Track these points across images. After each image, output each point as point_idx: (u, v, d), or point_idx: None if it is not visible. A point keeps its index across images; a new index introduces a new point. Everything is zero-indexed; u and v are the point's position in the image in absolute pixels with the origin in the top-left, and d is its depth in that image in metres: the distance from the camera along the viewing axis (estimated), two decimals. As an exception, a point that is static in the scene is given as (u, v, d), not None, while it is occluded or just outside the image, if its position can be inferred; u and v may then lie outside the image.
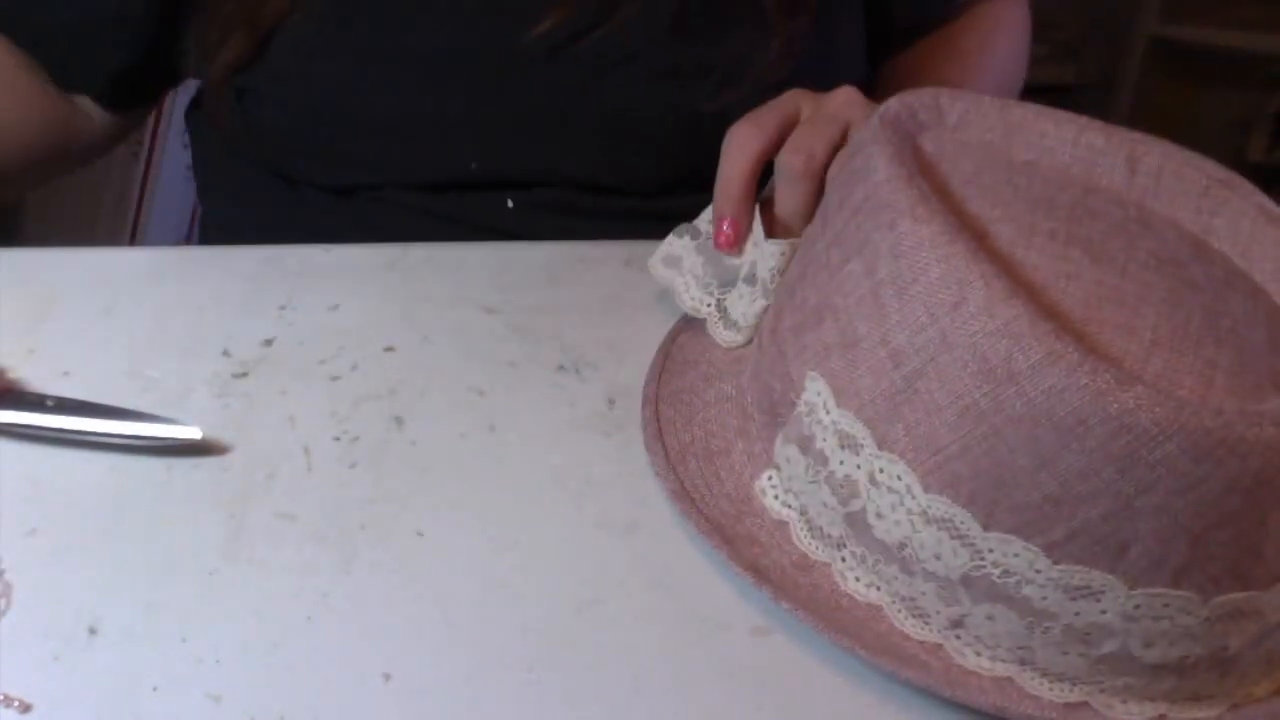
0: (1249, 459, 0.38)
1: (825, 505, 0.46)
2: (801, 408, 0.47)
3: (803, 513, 0.48)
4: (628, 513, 0.50)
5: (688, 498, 0.49)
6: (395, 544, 0.48)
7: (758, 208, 0.56)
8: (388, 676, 0.43)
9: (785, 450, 0.48)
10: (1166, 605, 0.41)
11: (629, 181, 0.67)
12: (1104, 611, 0.41)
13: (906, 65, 0.77)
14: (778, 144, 0.57)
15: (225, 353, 0.56)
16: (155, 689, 0.41)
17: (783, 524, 0.48)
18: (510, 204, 0.67)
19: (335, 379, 0.55)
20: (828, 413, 0.46)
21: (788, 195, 0.56)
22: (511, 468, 0.51)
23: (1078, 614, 0.42)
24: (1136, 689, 0.43)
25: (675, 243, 0.58)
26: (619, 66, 0.63)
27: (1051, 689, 0.43)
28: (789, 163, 0.56)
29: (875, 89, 0.74)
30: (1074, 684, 0.43)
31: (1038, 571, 0.41)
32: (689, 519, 0.48)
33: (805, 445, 0.47)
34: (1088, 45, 2.02)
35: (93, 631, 0.43)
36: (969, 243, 0.42)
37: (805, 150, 0.55)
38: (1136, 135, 0.50)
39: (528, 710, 0.42)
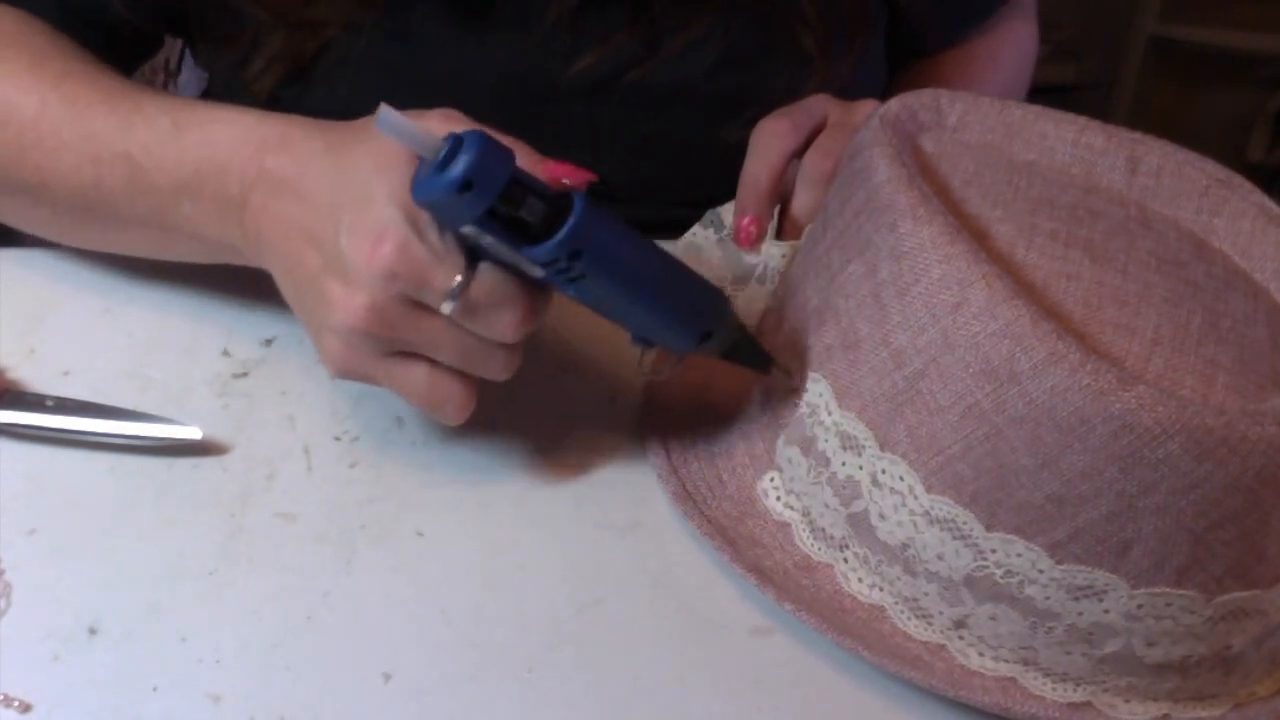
0: (1251, 458, 0.38)
1: (827, 506, 0.46)
2: (803, 409, 0.47)
3: (805, 514, 0.48)
4: (628, 513, 0.50)
5: (690, 499, 0.49)
6: (395, 544, 0.48)
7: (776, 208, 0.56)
8: (388, 676, 0.43)
9: (787, 451, 0.48)
10: (1169, 605, 0.41)
11: (656, 200, 0.68)
12: (1107, 611, 0.41)
13: (918, 77, 0.77)
14: (806, 145, 0.57)
15: (225, 353, 0.56)
16: (155, 689, 0.41)
17: (785, 525, 0.48)
18: None
19: (335, 379, 0.55)
20: (830, 414, 0.46)
21: (808, 198, 0.56)
22: (511, 468, 0.51)
23: (1081, 614, 0.42)
24: (1140, 689, 0.43)
25: (699, 232, 0.58)
26: (660, 100, 0.63)
27: (1054, 689, 0.43)
28: (817, 165, 0.55)
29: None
30: (1077, 684, 0.43)
31: (1040, 571, 0.41)
32: (691, 520, 0.48)
33: (807, 447, 0.47)
34: (1088, 45, 2.02)
35: (93, 631, 0.43)
36: (970, 244, 0.42)
37: (834, 156, 0.55)
38: (1136, 135, 0.50)
39: (528, 710, 0.42)
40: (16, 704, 0.41)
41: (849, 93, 0.63)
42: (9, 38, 0.57)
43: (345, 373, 0.47)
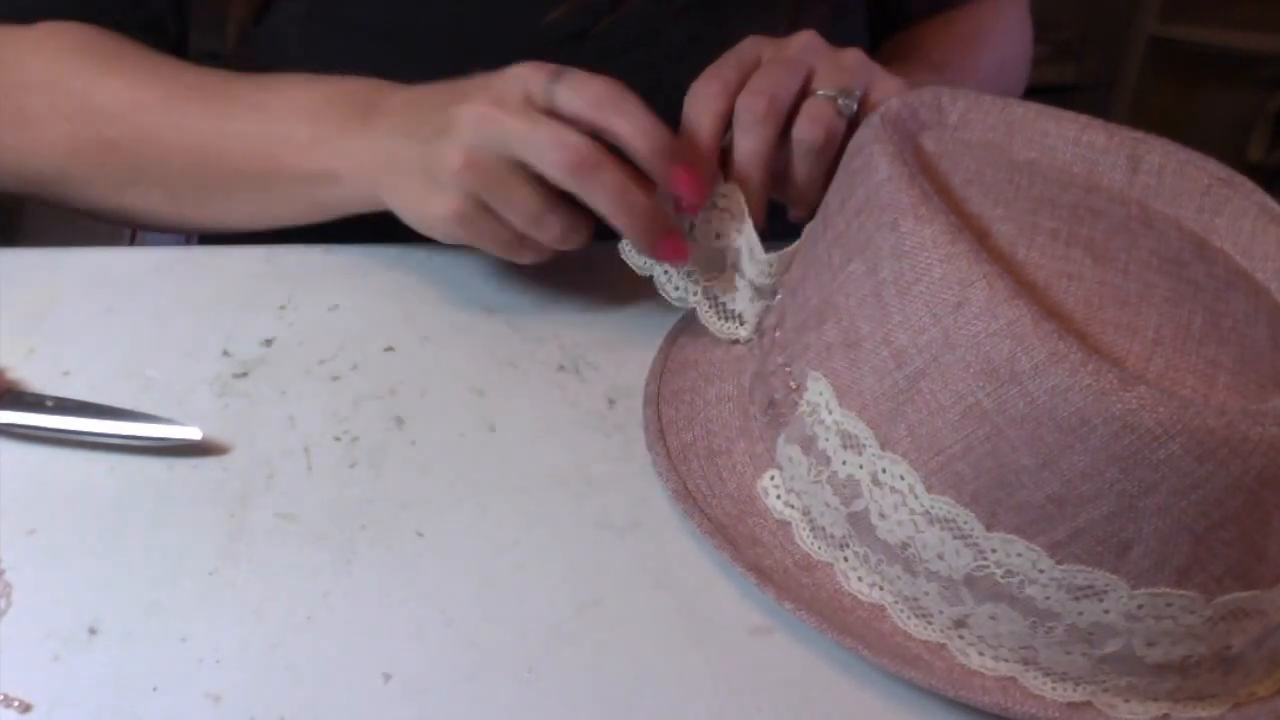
0: (1252, 458, 0.38)
1: (828, 505, 0.46)
2: (804, 408, 0.47)
3: (805, 513, 0.48)
4: (628, 513, 0.50)
5: (690, 498, 0.49)
6: (395, 544, 0.48)
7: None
8: (388, 676, 0.43)
9: (787, 450, 0.48)
10: (1169, 605, 0.41)
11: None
12: (1107, 611, 0.41)
13: (900, 45, 0.77)
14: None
15: (225, 353, 0.56)
16: (155, 689, 0.41)
17: (785, 524, 0.48)
18: None
19: (335, 379, 0.55)
20: (830, 413, 0.46)
21: (747, 140, 0.54)
22: (511, 468, 0.51)
23: (1081, 614, 0.42)
24: (1140, 688, 0.43)
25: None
26: (634, 49, 0.63)
27: (1054, 689, 0.43)
28: (749, 105, 0.54)
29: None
30: (1077, 684, 0.43)
31: (1041, 571, 0.41)
32: (691, 519, 0.48)
33: (807, 445, 0.47)
34: (1088, 45, 2.02)
35: (93, 631, 0.43)
36: (971, 243, 0.42)
37: (767, 93, 0.54)
38: (1138, 134, 0.50)
39: (528, 710, 0.42)
40: (16, 704, 0.41)
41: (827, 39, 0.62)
42: (109, 46, 0.63)
43: (464, 184, 0.53)
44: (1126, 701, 0.44)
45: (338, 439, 0.52)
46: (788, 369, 0.48)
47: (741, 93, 0.55)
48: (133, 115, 0.61)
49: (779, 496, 0.49)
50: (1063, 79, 2.01)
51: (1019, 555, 0.42)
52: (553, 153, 0.51)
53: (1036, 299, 0.42)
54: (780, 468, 0.49)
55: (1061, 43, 1.99)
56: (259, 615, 0.44)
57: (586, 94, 0.51)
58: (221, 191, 0.61)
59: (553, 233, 0.54)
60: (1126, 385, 0.38)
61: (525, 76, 0.52)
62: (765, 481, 0.49)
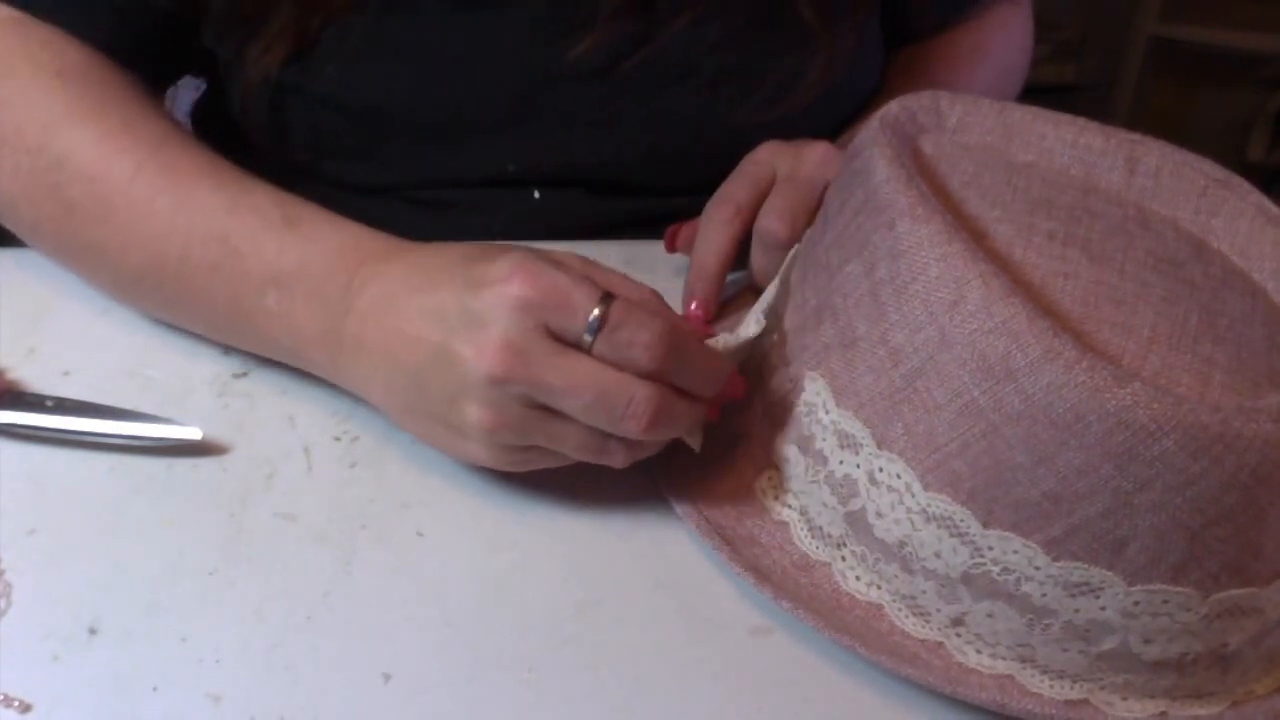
0: (1246, 455, 0.38)
1: (825, 505, 0.46)
2: (801, 408, 0.47)
3: (803, 513, 0.48)
4: (628, 513, 0.50)
5: (688, 499, 0.49)
6: (395, 544, 0.48)
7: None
8: (388, 676, 0.43)
9: (785, 450, 0.48)
10: (1166, 602, 0.41)
11: (664, 185, 0.68)
12: (1103, 608, 0.41)
13: (907, 62, 0.77)
14: (754, 213, 0.57)
15: (225, 352, 0.56)
16: (155, 689, 0.42)
17: (783, 524, 0.48)
18: (537, 195, 0.67)
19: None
20: (827, 412, 0.46)
21: (764, 261, 0.57)
22: (511, 468, 0.51)
23: (1077, 610, 0.42)
24: (1137, 686, 0.43)
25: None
26: (664, 80, 0.63)
27: (1052, 686, 0.44)
28: (769, 230, 0.55)
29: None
30: (1074, 681, 0.44)
31: (1037, 568, 0.41)
32: (689, 520, 0.48)
33: (805, 445, 0.47)
34: (1088, 45, 2.02)
35: (93, 631, 0.43)
36: (967, 242, 0.42)
37: (787, 217, 0.55)
38: (1135, 136, 0.50)
39: (528, 710, 0.42)
40: (16, 704, 0.41)
41: (851, 72, 0.63)
42: (93, 88, 0.56)
43: (497, 439, 0.45)
44: (1124, 699, 0.44)
45: (338, 439, 0.52)
46: (786, 369, 0.49)
47: (761, 212, 0.57)
48: (100, 183, 0.53)
49: (777, 496, 0.49)
50: (1063, 79, 2.00)
51: (1015, 553, 0.42)
52: (601, 413, 0.44)
53: (1033, 298, 0.42)
54: (778, 468, 0.49)
55: (1061, 43, 1.99)
56: (259, 615, 0.44)
57: (634, 351, 0.43)
58: (177, 300, 0.54)
59: (619, 455, 0.46)
60: (1121, 382, 0.38)
61: (533, 305, 0.43)
62: (763, 481, 0.49)
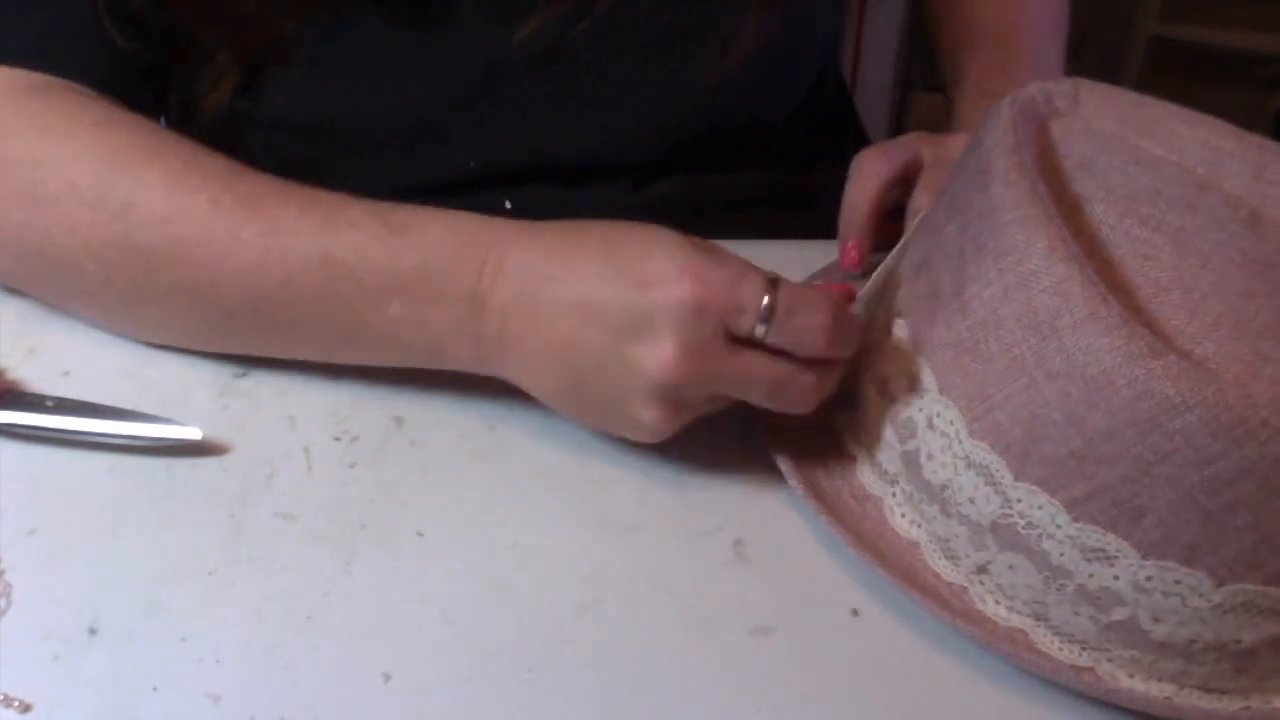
0: (1269, 444, 0.39)
1: (887, 443, 0.49)
2: (887, 350, 0.49)
3: (869, 450, 0.50)
4: (628, 513, 0.50)
5: (769, 430, 0.51)
6: (395, 544, 0.48)
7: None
8: (388, 676, 0.43)
9: (866, 390, 0.50)
10: (1178, 582, 0.42)
11: (624, 160, 0.67)
12: (1116, 577, 0.42)
13: (953, 12, 0.77)
14: (900, 178, 0.61)
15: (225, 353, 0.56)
16: (155, 689, 0.41)
17: (851, 459, 0.51)
18: (508, 205, 0.67)
19: (335, 379, 0.55)
20: (905, 357, 0.48)
21: None
22: (511, 468, 0.51)
23: (1091, 575, 0.43)
24: (1144, 664, 0.44)
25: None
26: (613, 50, 0.63)
27: (1061, 649, 0.45)
28: (923, 204, 0.58)
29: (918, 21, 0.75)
30: (1083, 648, 0.45)
31: (1058, 527, 0.43)
32: (770, 447, 0.50)
33: (882, 386, 0.49)
34: (1088, 45, 2.02)
35: (93, 631, 0.43)
36: (1048, 209, 0.43)
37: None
38: (1267, 143, 0.51)
39: (528, 710, 0.42)
40: (16, 704, 0.41)
41: (806, 38, 0.65)
42: (139, 133, 0.54)
43: (669, 427, 0.48)
44: (1130, 676, 0.44)
45: (338, 439, 0.52)
46: (886, 316, 0.51)
47: (917, 189, 0.60)
48: (174, 222, 0.51)
49: (851, 433, 0.51)
50: (1063, 79, 2.00)
51: (1040, 508, 0.43)
52: (775, 400, 0.47)
53: (1105, 272, 0.44)
54: (856, 406, 0.51)
55: (1061, 43, 1.99)
56: (259, 615, 0.44)
57: (808, 335, 0.45)
58: (278, 329, 0.53)
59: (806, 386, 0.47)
60: (1156, 354, 0.39)
61: (708, 310, 0.44)
62: (840, 418, 0.52)
